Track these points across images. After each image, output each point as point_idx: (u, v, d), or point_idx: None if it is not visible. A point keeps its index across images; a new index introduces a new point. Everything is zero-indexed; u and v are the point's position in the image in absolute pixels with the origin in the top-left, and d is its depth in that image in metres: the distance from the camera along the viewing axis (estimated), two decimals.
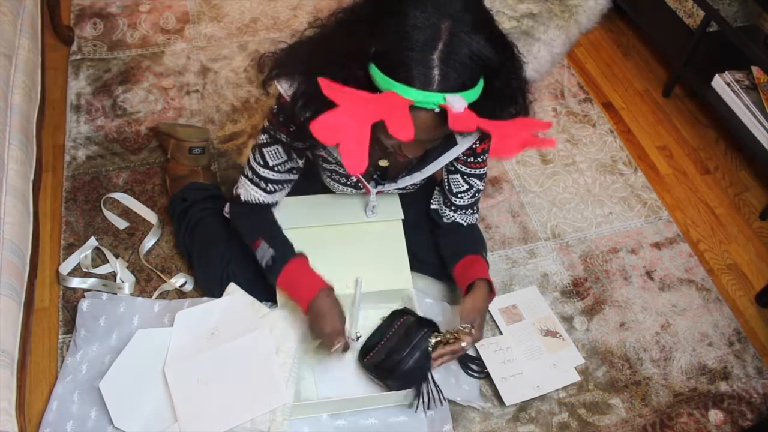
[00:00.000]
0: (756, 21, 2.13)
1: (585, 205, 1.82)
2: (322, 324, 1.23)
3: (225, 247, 1.45)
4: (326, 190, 1.46)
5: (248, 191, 1.33)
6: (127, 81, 1.95)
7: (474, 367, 1.43)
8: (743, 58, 1.90)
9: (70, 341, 1.41)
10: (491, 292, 1.33)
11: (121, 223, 1.63)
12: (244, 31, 2.15)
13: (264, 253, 1.29)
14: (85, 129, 1.82)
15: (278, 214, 1.40)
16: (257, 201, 1.34)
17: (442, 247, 1.45)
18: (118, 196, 1.68)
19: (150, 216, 1.64)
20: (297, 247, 1.32)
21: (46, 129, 1.67)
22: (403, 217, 1.48)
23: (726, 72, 1.95)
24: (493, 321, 1.54)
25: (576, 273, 1.67)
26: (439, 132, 1.02)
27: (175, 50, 2.06)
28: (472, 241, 1.44)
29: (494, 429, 1.38)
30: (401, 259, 1.43)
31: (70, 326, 1.44)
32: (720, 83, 1.95)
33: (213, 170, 1.73)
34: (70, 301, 1.48)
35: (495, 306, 1.56)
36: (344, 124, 0.87)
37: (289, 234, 1.33)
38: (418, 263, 1.49)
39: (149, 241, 1.59)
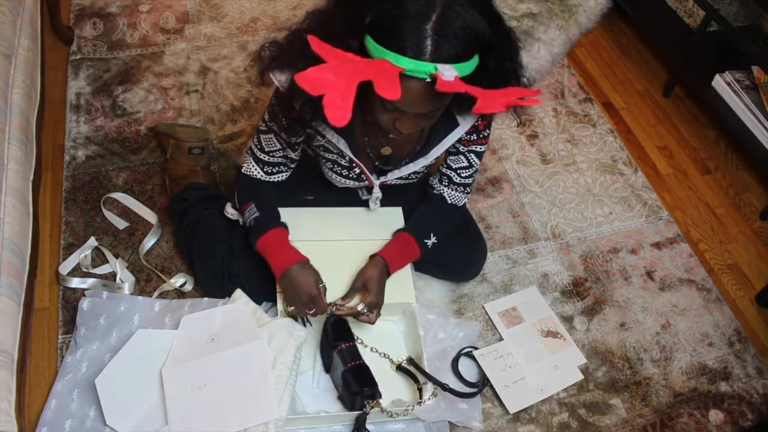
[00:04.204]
0: (756, 21, 2.13)
1: (585, 205, 1.82)
2: (296, 292, 1.28)
3: (225, 246, 1.45)
4: (329, 186, 1.45)
5: (249, 167, 1.37)
6: (126, 81, 1.95)
7: (472, 391, 1.41)
8: (743, 58, 1.90)
9: (70, 341, 1.40)
10: (391, 267, 1.37)
11: (120, 223, 1.63)
12: (244, 31, 2.14)
13: (250, 214, 1.34)
14: (84, 129, 1.82)
15: None
16: (256, 177, 1.37)
17: (417, 210, 1.45)
18: (117, 196, 1.68)
19: (150, 216, 1.64)
20: None
21: (45, 129, 1.67)
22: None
23: (726, 72, 1.95)
24: (493, 325, 1.54)
25: (576, 273, 1.67)
26: (430, 105, 1.02)
27: (175, 50, 2.06)
28: (431, 220, 1.43)
29: (494, 429, 1.38)
30: (405, 274, 1.43)
31: (70, 326, 1.43)
32: (720, 83, 1.95)
33: (213, 170, 1.73)
34: (70, 301, 1.48)
35: (494, 309, 1.56)
36: (330, 79, 0.88)
37: (294, 246, 1.34)
38: (417, 262, 1.49)
39: (149, 241, 1.59)
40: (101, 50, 2.03)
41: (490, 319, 1.55)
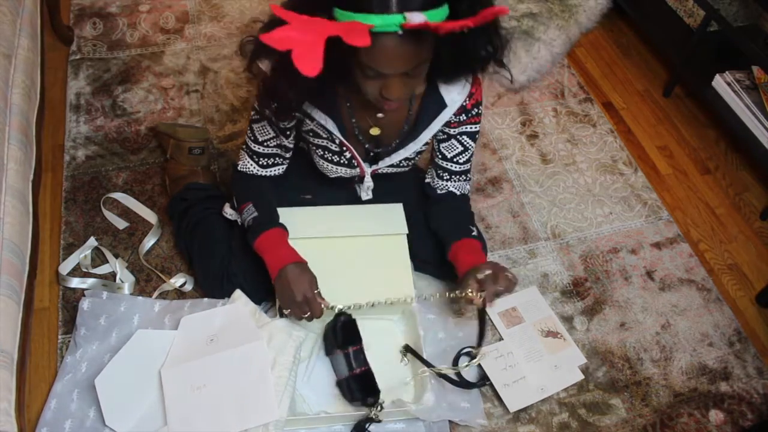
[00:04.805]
0: (756, 21, 2.13)
1: (585, 205, 1.82)
2: (291, 292, 1.25)
3: (225, 247, 1.45)
4: (327, 185, 1.45)
5: (244, 163, 1.38)
6: (126, 81, 1.95)
7: (470, 382, 1.41)
8: (743, 58, 1.90)
9: (69, 341, 1.40)
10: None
11: (120, 223, 1.63)
12: (244, 31, 2.14)
13: (248, 214, 1.33)
14: (84, 129, 1.82)
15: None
16: (252, 173, 1.37)
17: (433, 220, 1.44)
18: (117, 196, 1.68)
19: (150, 216, 1.64)
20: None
21: (45, 129, 1.67)
22: (407, 232, 1.47)
23: (726, 72, 1.95)
24: (493, 325, 1.53)
25: (576, 273, 1.67)
26: (409, 60, 1.02)
27: (175, 50, 2.06)
28: (464, 219, 1.43)
29: (494, 429, 1.38)
30: (405, 272, 1.43)
31: (69, 326, 1.43)
32: (720, 83, 1.95)
33: (213, 170, 1.73)
34: (70, 301, 1.47)
35: (494, 309, 1.56)
36: (296, 36, 0.89)
37: (292, 244, 1.33)
38: (417, 262, 1.49)
39: (149, 241, 1.59)
40: (101, 50, 2.03)
41: (490, 319, 1.55)
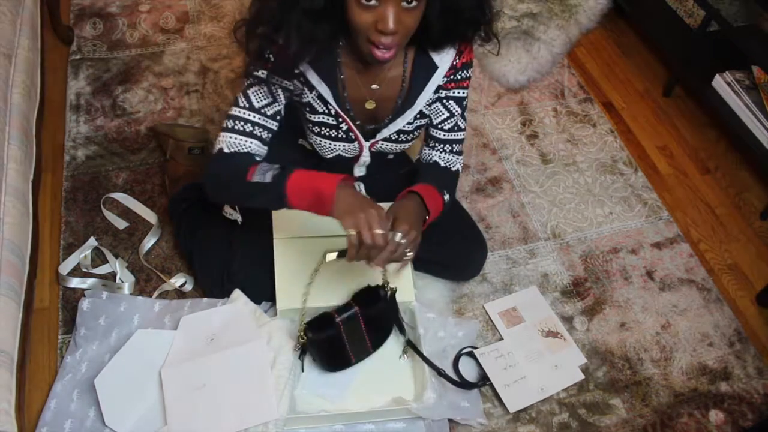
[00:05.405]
0: (756, 21, 2.13)
1: (585, 205, 1.82)
2: (360, 214, 1.09)
3: (225, 247, 1.45)
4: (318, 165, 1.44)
5: (232, 140, 1.21)
6: (126, 81, 1.95)
7: (469, 382, 1.42)
8: (743, 57, 1.90)
9: (69, 341, 1.40)
10: (427, 215, 1.24)
11: (120, 223, 1.63)
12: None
13: (264, 172, 1.15)
14: (84, 129, 1.82)
15: (276, 222, 1.38)
16: (242, 149, 1.21)
17: (417, 178, 1.36)
18: (117, 196, 1.68)
19: (149, 216, 1.64)
20: (298, 258, 1.29)
21: (45, 129, 1.67)
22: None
23: (726, 72, 1.95)
24: (493, 325, 1.54)
25: (576, 273, 1.67)
26: None
27: (175, 50, 2.06)
28: (434, 177, 1.34)
29: (494, 429, 1.38)
30: (406, 273, 1.42)
31: (69, 326, 1.43)
32: (720, 83, 1.95)
33: None
34: (70, 301, 1.47)
35: (495, 309, 1.56)
36: None
37: (290, 242, 1.31)
38: (416, 261, 1.49)
39: (149, 241, 1.59)
40: (101, 50, 2.03)
41: (490, 319, 1.55)
